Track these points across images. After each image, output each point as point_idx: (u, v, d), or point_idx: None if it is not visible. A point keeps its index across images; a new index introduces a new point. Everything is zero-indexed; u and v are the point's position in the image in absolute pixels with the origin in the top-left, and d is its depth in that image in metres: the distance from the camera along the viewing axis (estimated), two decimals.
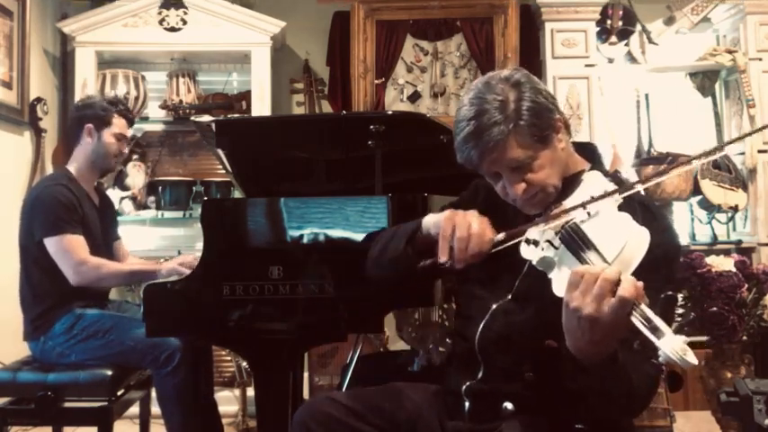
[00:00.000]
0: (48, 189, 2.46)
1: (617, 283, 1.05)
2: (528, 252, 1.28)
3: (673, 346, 0.99)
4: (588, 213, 1.26)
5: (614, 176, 1.37)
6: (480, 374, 1.41)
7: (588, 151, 1.48)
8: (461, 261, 1.31)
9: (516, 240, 1.31)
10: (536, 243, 1.27)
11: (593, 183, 1.36)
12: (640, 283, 1.06)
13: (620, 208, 1.27)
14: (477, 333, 1.41)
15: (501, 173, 1.36)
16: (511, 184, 1.35)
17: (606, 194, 1.28)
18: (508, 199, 1.40)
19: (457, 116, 1.37)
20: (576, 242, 1.22)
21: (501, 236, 1.32)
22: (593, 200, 1.27)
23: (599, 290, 1.05)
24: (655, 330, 1.01)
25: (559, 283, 1.19)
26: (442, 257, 1.32)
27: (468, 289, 1.50)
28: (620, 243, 1.16)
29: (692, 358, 0.99)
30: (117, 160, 2.67)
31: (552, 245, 1.25)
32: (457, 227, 1.32)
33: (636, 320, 1.03)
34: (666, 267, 1.27)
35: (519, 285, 1.40)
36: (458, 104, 1.39)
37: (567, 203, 1.32)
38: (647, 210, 1.33)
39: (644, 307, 1.04)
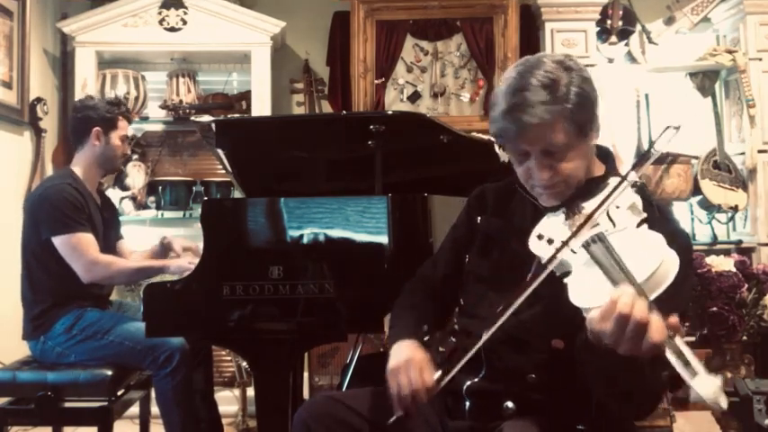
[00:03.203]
0: (55, 187, 2.45)
1: (649, 321, 1.02)
2: (539, 248, 1.26)
3: (708, 387, 0.96)
4: (613, 224, 1.23)
5: (639, 187, 1.34)
6: (482, 373, 1.40)
7: (602, 153, 1.47)
8: (414, 413, 1.35)
9: (456, 370, 1.34)
10: (550, 241, 1.25)
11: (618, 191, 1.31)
12: (675, 319, 1.04)
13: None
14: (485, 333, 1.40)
15: (531, 153, 1.33)
16: (538, 168, 1.33)
17: (616, 186, 1.27)
18: (528, 183, 1.38)
19: (501, 87, 1.34)
20: (602, 254, 1.18)
21: (438, 374, 1.35)
22: (608, 195, 1.25)
23: (633, 333, 1.02)
24: (687, 365, 0.98)
25: (576, 291, 1.16)
26: (399, 412, 1.35)
27: (475, 288, 1.49)
28: (654, 265, 1.11)
29: (723, 402, 0.97)
30: (122, 161, 2.70)
31: (572, 250, 1.22)
32: (399, 386, 1.35)
33: (669, 354, 1.00)
34: (683, 268, 1.26)
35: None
36: (504, 76, 1.35)
37: (587, 206, 1.30)
38: (661, 211, 1.32)
39: (678, 341, 1.00)
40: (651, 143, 1.46)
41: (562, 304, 1.19)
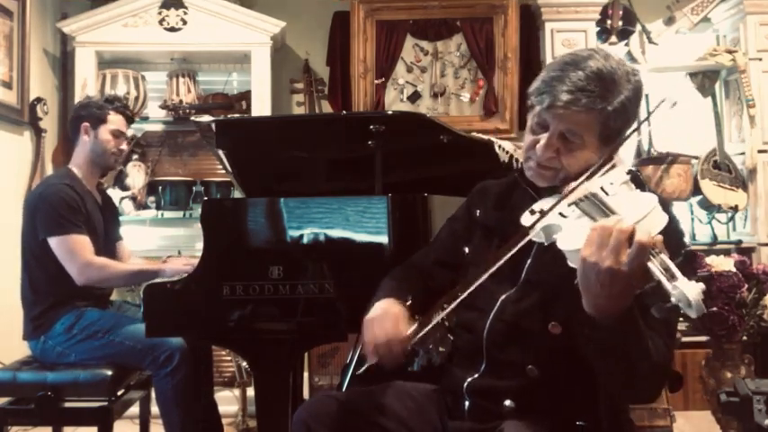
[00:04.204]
0: (52, 188, 2.46)
1: (632, 233, 1.05)
2: (529, 221, 1.27)
3: (688, 287, 0.99)
4: (606, 192, 1.25)
5: (631, 173, 1.36)
6: (482, 368, 1.40)
7: None
8: (388, 364, 1.37)
9: (431, 325, 1.35)
10: (541, 212, 1.26)
11: (612, 171, 1.33)
12: (658, 236, 1.06)
13: None
14: (487, 325, 1.40)
15: (550, 128, 1.33)
16: (545, 145, 1.33)
17: (601, 166, 1.28)
18: (527, 153, 1.39)
19: (565, 54, 1.34)
20: (592, 207, 1.20)
21: (414, 327, 1.37)
22: (594, 171, 1.27)
23: (615, 241, 1.05)
24: (671, 277, 1.01)
25: (565, 238, 1.17)
26: (371, 360, 1.38)
27: (474, 279, 1.49)
28: (643, 212, 1.14)
29: (703, 306, 0.98)
30: (116, 158, 2.67)
31: (562, 215, 1.24)
32: (373, 335, 1.37)
33: (653, 267, 1.03)
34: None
35: (527, 273, 1.39)
36: (577, 48, 1.37)
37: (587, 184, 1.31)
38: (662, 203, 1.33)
39: (663, 256, 1.04)
40: (648, 113, 1.48)
41: (559, 289, 1.19)
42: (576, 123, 1.30)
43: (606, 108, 1.29)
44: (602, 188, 1.26)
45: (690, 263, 1.06)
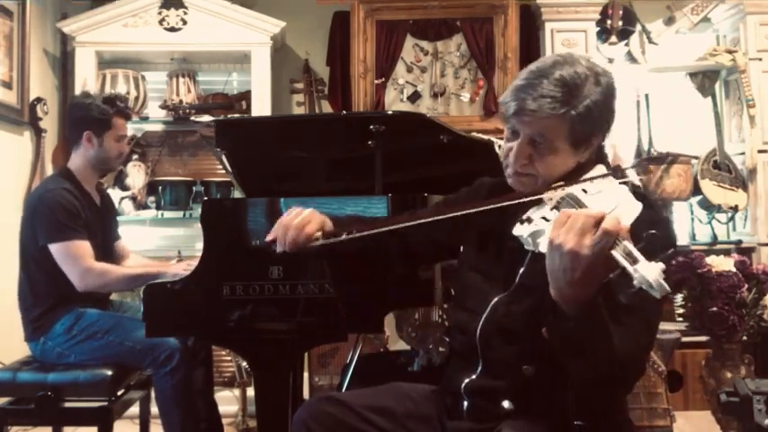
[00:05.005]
0: (50, 193, 2.43)
1: (600, 220, 1.07)
2: (519, 230, 1.28)
3: (648, 269, 1.01)
4: (585, 191, 1.27)
5: (616, 169, 1.37)
6: (479, 369, 1.41)
7: (599, 155, 1.48)
8: (281, 245, 1.51)
9: (335, 240, 1.48)
10: (530, 220, 1.28)
11: (596, 173, 1.35)
12: (625, 224, 1.08)
13: None
14: (479, 326, 1.40)
15: (520, 136, 1.35)
16: (517, 152, 1.36)
17: (600, 176, 1.30)
18: (504, 162, 1.41)
19: (534, 63, 1.37)
20: (571, 207, 1.22)
21: (319, 234, 1.51)
22: (586, 180, 1.29)
23: (581, 225, 1.08)
24: (633, 261, 1.03)
25: (545, 242, 1.19)
26: (269, 236, 1.53)
27: (469, 280, 1.50)
28: (611, 204, 1.17)
29: (666, 285, 1.00)
30: (119, 160, 2.67)
31: (546, 220, 1.25)
32: (285, 214, 1.52)
33: (616, 254, 1.05)
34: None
35: (521, 277, 1.39)
36: (546, 56, 1.40)
37: (568, 187, 1.32)
38: (646, 201, 1.33)
39: (627, 243, 1.06)
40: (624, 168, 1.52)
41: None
42: (544, 128, 1.32)
43: (570, 112, 1.30)
44: (582, 189, 1.28)
45: (652, 244, 1.06)
